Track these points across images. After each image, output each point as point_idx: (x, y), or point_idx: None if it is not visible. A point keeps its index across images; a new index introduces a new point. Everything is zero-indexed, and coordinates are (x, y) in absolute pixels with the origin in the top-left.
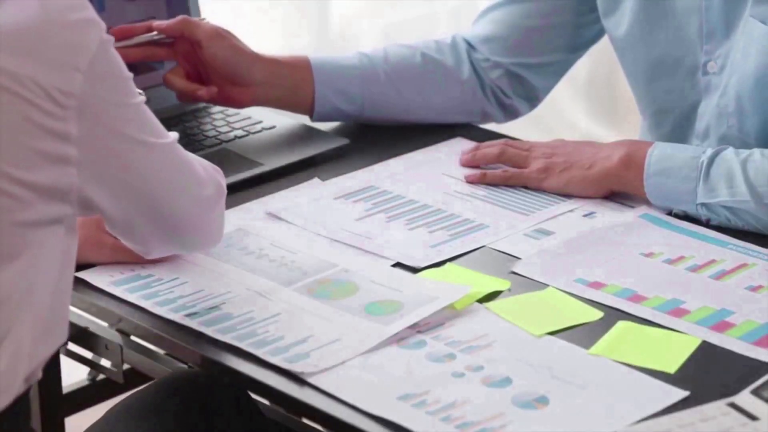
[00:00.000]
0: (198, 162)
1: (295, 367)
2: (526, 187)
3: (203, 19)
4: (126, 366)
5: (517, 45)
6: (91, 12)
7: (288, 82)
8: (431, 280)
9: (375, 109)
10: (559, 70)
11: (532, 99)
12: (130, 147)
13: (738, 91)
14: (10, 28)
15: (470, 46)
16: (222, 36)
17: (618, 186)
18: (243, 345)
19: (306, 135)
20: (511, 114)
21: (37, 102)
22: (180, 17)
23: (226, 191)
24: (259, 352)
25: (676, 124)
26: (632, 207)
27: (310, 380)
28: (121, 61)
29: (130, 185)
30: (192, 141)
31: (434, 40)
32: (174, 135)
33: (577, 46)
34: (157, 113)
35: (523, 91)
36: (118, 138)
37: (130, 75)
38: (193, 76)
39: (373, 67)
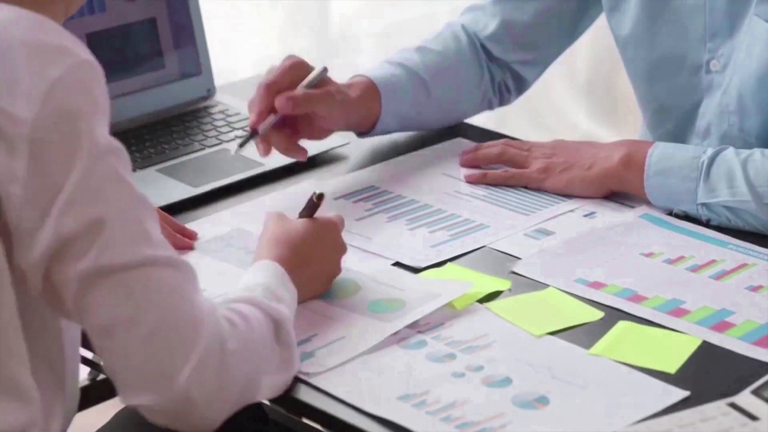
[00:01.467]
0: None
1: (301, 367)
2: (526, 187)
3: (324, 70)
4: None
5: (522, 42)
6: (62, 40)
7: (362, 118)
8: (432, 278)
9: (414, 125)
10: (551, 61)
11: (522, 90)
12: (78, 223)
13: (740, 90)
14: None
15: (480, 42)
16: (336, 105)
17: (618, 186)
18: None
19: None
20: (502, 103)
21: None
22: (303, 94)
23: (230, 350)
24: None
25: (678, 123)
26: (632, 207)
27: (310, 380)
28: (99, 101)
29: (82, 263)
30: (192, 141)
31: (452, 36)
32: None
33: (574, 37)
34: (157, 113)
35: (515, 84)
36: (61, 208)
37: (105, 113)
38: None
39: (422, 84)
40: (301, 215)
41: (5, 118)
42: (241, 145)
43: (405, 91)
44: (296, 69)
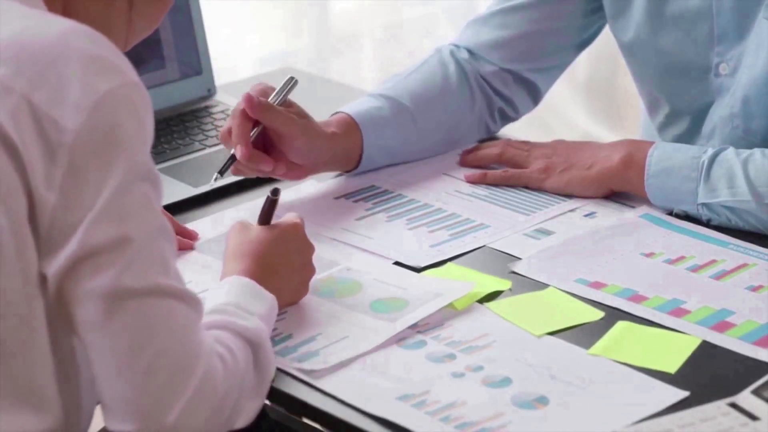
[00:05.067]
0: (215, 336)
1: (305, 366)
2: (526, 187)
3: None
4: None
5: (531, 51)
6: (117, 58)
7: (343, 153)
8: (434, 277)
9: (405, 156)
10: (562, 69)
11: (537, 99)
12: (105, 237)
13: (746, 93)
14: (25, 41)
15: (473, 55)
16: (303, 128)
17: (618, 186)
18: None
19: None
20: (508, 120)
21: (21, 122)
22: (265, 105)
23: (220, 393)
24: None
25: (688, 126)
26: (632, 207)
27: (310, 380)
28: (138, 137)
29: (98, 288)
30: (192, 141)
31: (439, 63)
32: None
33: (582, 46)
34: (157, 113)
35: (528, 96)
36: (91, 220)
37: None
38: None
39: (407, 113)
40: (260, 221)
41: (51, 125)
42: (222, 172)
43: (388, 122)
44: (264, 93)
